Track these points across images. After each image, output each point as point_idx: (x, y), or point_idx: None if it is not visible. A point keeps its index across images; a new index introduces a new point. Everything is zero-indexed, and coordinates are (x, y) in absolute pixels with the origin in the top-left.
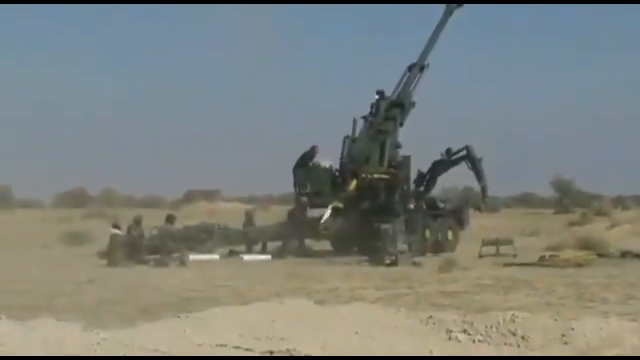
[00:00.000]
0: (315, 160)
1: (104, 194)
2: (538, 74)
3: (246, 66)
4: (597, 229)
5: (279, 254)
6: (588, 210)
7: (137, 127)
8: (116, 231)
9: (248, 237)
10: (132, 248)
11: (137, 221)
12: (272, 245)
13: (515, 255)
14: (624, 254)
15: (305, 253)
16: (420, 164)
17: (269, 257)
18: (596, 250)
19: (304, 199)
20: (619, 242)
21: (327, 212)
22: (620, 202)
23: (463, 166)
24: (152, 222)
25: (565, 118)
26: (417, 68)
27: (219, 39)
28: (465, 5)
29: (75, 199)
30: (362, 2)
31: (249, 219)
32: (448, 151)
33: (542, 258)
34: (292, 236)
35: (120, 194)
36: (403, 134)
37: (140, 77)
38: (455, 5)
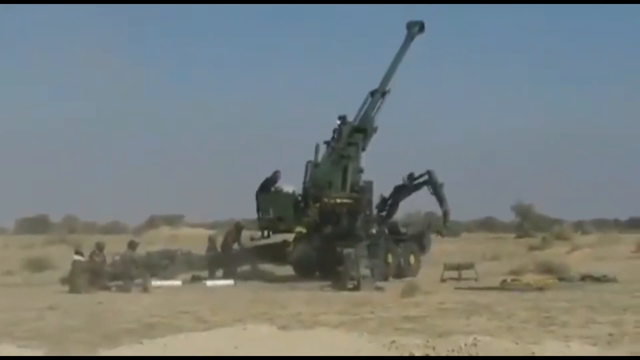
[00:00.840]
0: (277, 185)
1: (66, 220)
2: (499, 100)
3: (210, 92)
4: (557, 253)
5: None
6: (549, 234)
7: (99, 153)
8: (78, 257)
9: (211, 262)
10: (94, 274)
11: (100, 247)
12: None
13: (476, 280)
14: (584, 278)
15: (234, 276)
16: (382, 189)
17: (231, 282)
18: (557, 274)
19: (240, 223)
20: (579, 266)
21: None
22: (580, 227)
23: (425, 191)
24: (115, 248)
25: (527, 143)
26: (379, 93)
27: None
28: (427, 32)
29: (37, 225)
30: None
31: (212, 244)
32: (410, 176)
33: (503, 282)
34: (220, 261)
35: (82, 220)
36: (365, 159)
37: (102, 102)
38: (416, 31)
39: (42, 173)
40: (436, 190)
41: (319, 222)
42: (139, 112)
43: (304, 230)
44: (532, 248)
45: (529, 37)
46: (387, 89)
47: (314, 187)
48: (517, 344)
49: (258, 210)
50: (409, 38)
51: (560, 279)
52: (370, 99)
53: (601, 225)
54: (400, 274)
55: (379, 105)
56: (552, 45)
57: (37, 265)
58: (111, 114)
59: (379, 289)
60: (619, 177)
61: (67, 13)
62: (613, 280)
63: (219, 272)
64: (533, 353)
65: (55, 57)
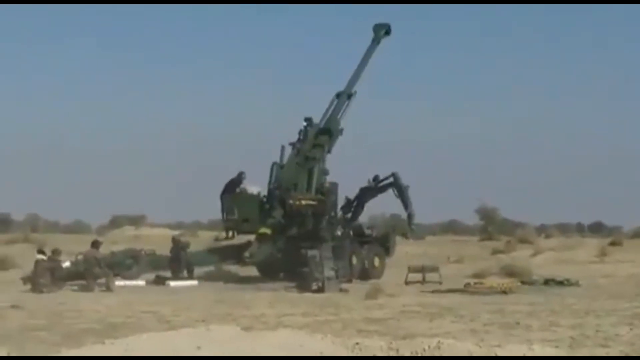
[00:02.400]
0: (242, 186)
1: (28, 219)
2: (465, 104)
3: (175, 91)
4: (521, 256)
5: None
6: (512, 238)
7: (61, 151)
8: (41, 257)
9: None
10: (55, 274)
11: (56, 253)
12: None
13: (440, 283)
14: (547, 282)
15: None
16: (347, 191)
17: (195, 282)
18: (520, 277)
19: (179, 236)
20: (542, 269)
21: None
22: (543, 231)
23: (390, 193)
24: (78, 247)
25: (491, 147)
26: (345, 96)
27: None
28: (393, 34)
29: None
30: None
31: (176, 244)
32: (375, 178)
33: (467, 285)
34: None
35: (45, 219)
36: (331, 161)
37: (66, 100)
38: (382, 34)
39: (4, 171)
40: (401, 192)
41: (284, 224)
42: (100, 111)
43: (268, 232)
44: (495, 251)
45: (500, 39)
46: (353, 91)
47: (279, 189)
48: (480, 346)
49: (223, 211)
50: (376, 41)
51: (523, 283)
52: (336, 101)
53: (564, 229)
54: (364, 276)
55: (345, 108)
56: (522, 48)
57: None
58: (74, 113)
59: (343, 290)
60: (583, 181)
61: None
62: (575, 284)
63: (183, 273)
64: (495, 353)
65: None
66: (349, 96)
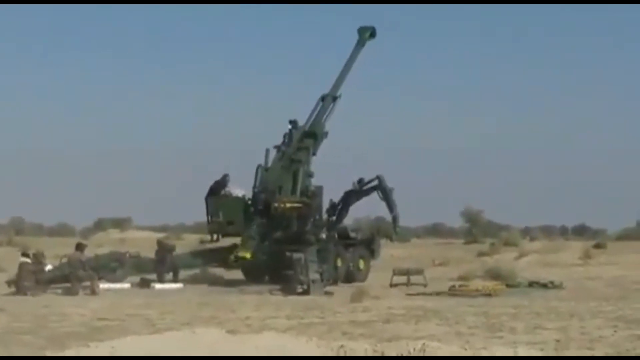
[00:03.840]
0: (227, 189)
1: (13, 222)
2: (449, 106)
3: (159, 93)
4: (505, 259)
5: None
6: (497, 240)
7: (46, 154)
8: (25, 259)
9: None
10: (39, 277)
11: (38, 257)
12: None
13: (425, 285)
14: (532, 284)
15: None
16: (332, 194)
17: (180, 285)
18: (505, 280)
19: (164, 239)
20: (527, 272)
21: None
22: (528, 233)
23: (375, 196)
24: (62, 250)
25: (476, 149)
26: (330, 98)
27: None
28: (377, 37)
29: None
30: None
31: (161, 247)
32: (360, 181)
33: (452, 288)
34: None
35: (29, 221)
36: (315, 164)
37: (50, 101)
38: (367, 36)
39: None
40: (386, 195)
41: (268, 227)
42: (86, 112)
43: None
44: (480, 254)
45: (487, 39)
46: (337, 94)
47: (265, 192)
48: (465, 349)
49: (207, 214)
50: (360, 44)
51: (508, 285)
52: (321, 104)
53: (548, 232)
54: (349, 278)
55: (330, 110)
56: (508, 46)
57: None
58: (59, 115)
59: (328, 293)
60: (567, 184)
61: None
62: (560, 286)
63: (168, 276)
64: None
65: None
66: (334, 99)
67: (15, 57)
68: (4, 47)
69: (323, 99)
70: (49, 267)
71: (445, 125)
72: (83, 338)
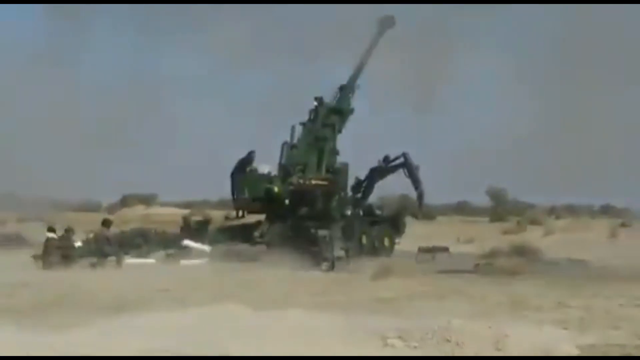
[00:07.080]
0: (253, 166)
1: (38, 198)
2: (473, 87)
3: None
4: (531, 237)
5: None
6: (522, 219)
7: (72, 130)
8: (51, 235)
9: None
10: (66, 252)
11: (69, 231)
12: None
13: (450, 263)
14: (557, 263)
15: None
16: (358, 171)
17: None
18: (530, 258)
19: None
20: (552, 250)
21: None
22: (553, 212)
23: (400, 174)
24: (88, 226)
25: (502, 128)
26: (348, 89)
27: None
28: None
29: (7, 202)
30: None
31: (186, 223)
32: (385, 159)
33: (477, 266)
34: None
35: (55, 198)
36: (341, 141)
37: (76, 78)
38: (386, 26)
39: (14, 149)
40: (411, 172)
41: (293, 203)
42: (116, 91)
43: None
44: (505, 232)
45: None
46: (356, 84)
47: (290, 168)
48: (489, 327)
49: (233, 190)
50: (379, 33)
51: (533, 263)
52: (339, 94)
53: (574, 210)
54: (374, 255)
55: (354, 90)
56: (526, 32)
57: (10, 242)
58: (82, 94)
59: (352, 270)
60: (594, 163)
61: None
62: (585, 265)
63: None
64: (506, 336)
65: None
66: (352, 89)
67: None
68: None
69: (341, 89)
70: (78, 244)
71: (469, 104)
72: (109, 313)
